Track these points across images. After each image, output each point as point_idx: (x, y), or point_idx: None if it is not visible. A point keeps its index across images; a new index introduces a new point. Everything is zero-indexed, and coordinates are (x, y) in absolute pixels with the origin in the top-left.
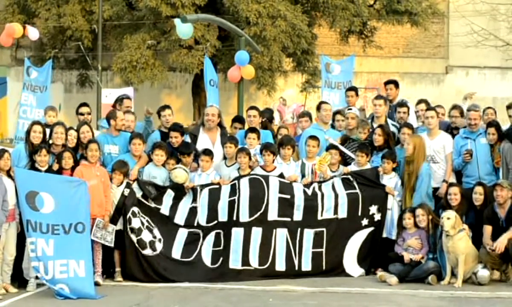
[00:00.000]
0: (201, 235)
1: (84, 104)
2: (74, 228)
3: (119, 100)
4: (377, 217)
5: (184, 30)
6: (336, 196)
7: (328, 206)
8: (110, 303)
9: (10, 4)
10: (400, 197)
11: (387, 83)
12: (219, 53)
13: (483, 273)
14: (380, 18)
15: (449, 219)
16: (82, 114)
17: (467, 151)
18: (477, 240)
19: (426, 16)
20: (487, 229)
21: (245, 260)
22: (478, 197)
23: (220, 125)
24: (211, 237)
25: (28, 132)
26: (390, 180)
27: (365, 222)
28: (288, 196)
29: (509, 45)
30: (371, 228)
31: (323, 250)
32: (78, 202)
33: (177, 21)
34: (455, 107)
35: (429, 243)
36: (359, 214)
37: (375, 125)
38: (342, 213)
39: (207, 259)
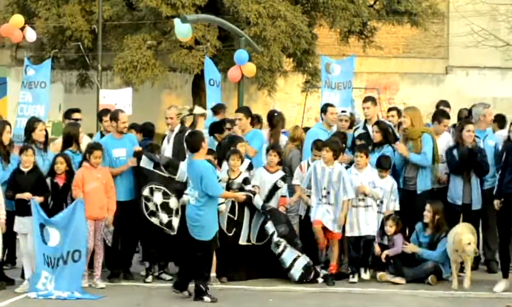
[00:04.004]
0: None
1: (77, 110)
2: (72, 257)
3: (114, 117)
4: None
5: (182, 30)
6: None
7: None
8: (110, 303)
9: (10, 4)
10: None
11: (365, 100)
12: (219, 53)
13: None
14: (380, 18)
15: (470, 244)
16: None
17: None
18: None
19: (426, 16)
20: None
21: (248, 237)
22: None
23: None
24: (228, 202)
25: (30, 130)
26: (386, 183)
27: None
28: None
29: (509, 45)
30: None
31: None
32: (77, 226)
33: (176, 21)
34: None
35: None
36: None
37: (368, 127)
38: None
39: (223, 223)
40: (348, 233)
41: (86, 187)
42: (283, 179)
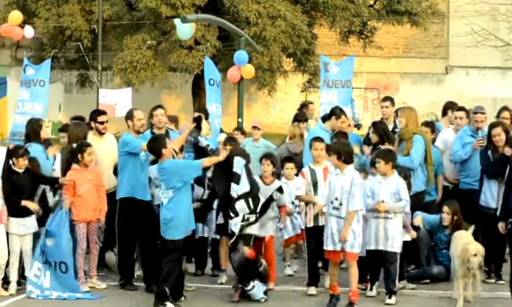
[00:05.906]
0: None
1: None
2: (59, 267)
3: (129, 116)
4: None
5: (184, 30)
6: None
7: None
8: (110, 303)
9: (10, 3)
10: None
11: (383, 100)
12: (219, 53)
13: None
14: (380, 18)
15: (476, 255)
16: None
17: (481, 139)
18: None
19: (426, 16)
20: None
21: None
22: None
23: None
24: None
25: (38, 130)
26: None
27: None
28: None
29: (509, 45)
30: None
31: None
32: (61, 238)
33: (177, 21)
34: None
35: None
36: None
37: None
38: None
39: None
40: (366, 247)
41: (78, 190)
42: (279, 190)
